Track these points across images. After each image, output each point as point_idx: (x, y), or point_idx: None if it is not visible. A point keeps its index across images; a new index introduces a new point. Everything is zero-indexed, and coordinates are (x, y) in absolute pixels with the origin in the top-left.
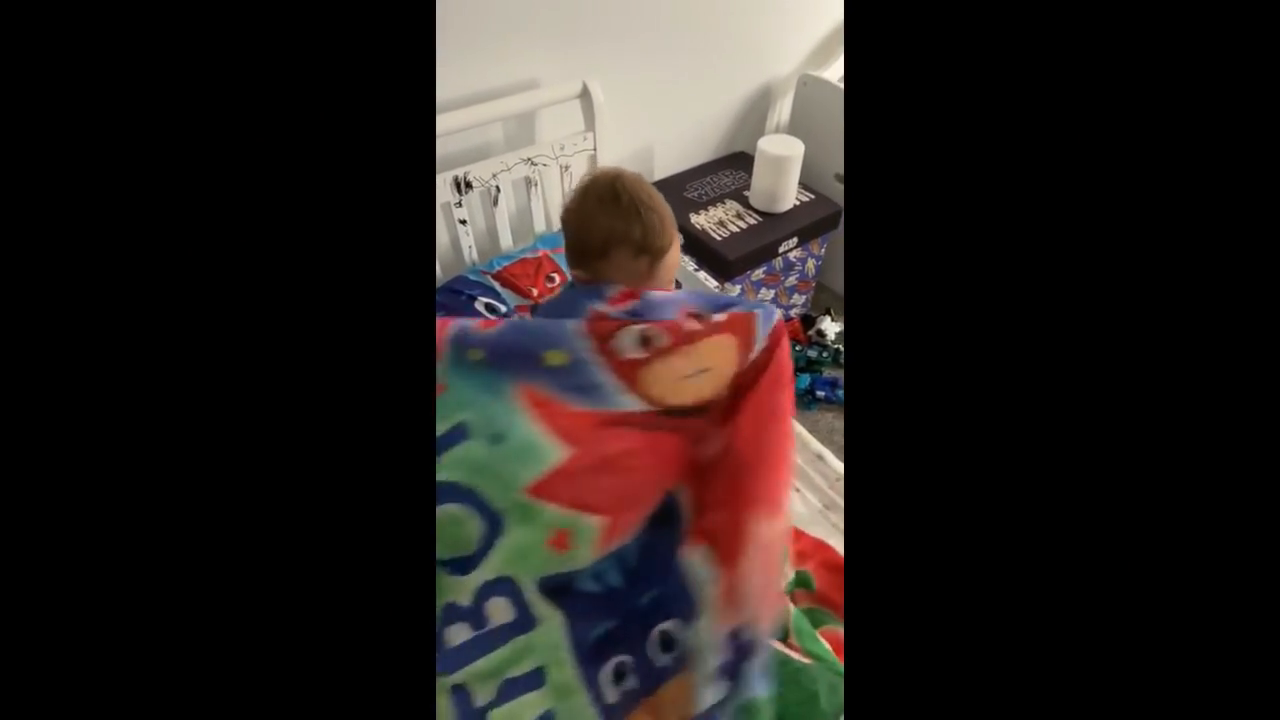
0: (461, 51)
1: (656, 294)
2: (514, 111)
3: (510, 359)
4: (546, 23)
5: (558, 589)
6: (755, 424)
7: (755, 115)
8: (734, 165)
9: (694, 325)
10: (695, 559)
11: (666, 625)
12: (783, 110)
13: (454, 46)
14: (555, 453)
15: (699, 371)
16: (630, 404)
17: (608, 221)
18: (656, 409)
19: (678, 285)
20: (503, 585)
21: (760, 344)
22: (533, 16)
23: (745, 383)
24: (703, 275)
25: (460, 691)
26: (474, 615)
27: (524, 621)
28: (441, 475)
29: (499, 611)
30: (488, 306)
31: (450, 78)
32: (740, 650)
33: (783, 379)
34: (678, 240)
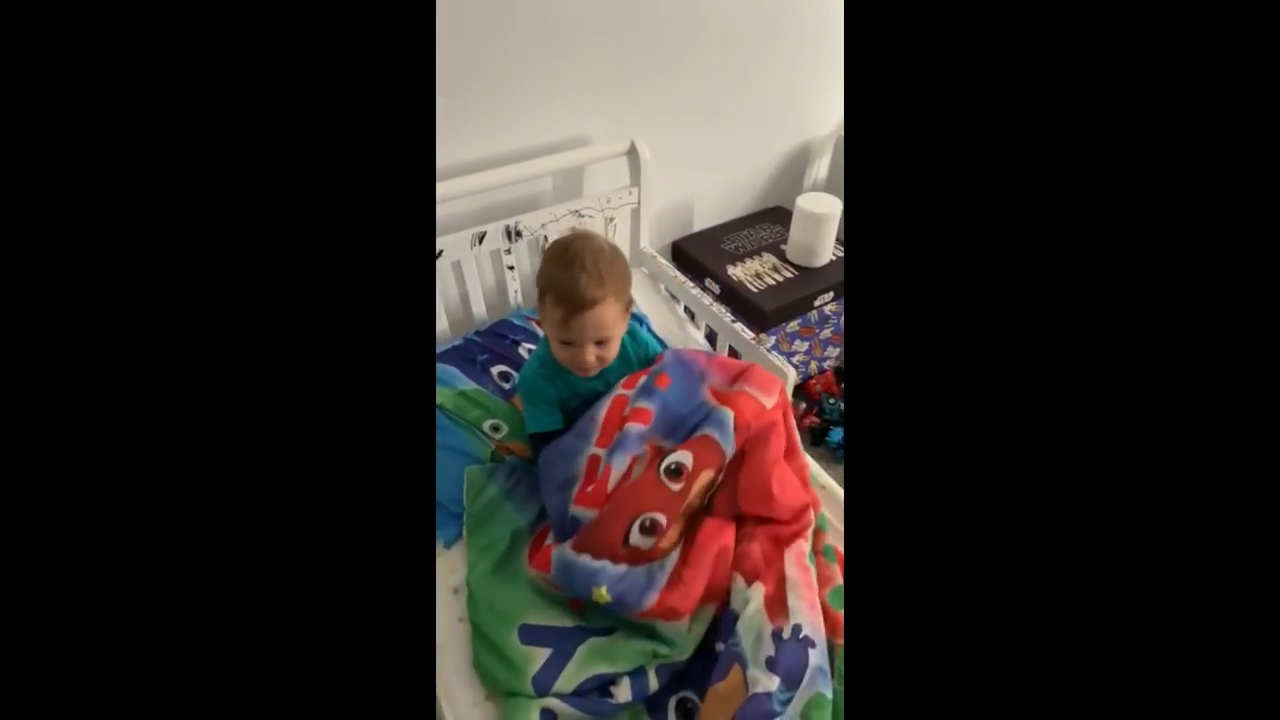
0: (518, 109)
1: (628, 430)
2: (564, 167)
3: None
4: (599, 83)
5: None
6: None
7: (794, 171)
8: (771, 220)
9: (676, 488)
10: (737, 586)
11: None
12: (820, 168)
13: (511, 104)
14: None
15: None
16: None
17: (549, 270)
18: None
19: (710, 334)
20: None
21: (729, 450)
22: (586, 77)
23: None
24: (739, 326)
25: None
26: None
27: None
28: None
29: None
30: (529, 351)
31: (506, 133)
32: (797, 648)
33: (769, 440)
34: (611, 306)
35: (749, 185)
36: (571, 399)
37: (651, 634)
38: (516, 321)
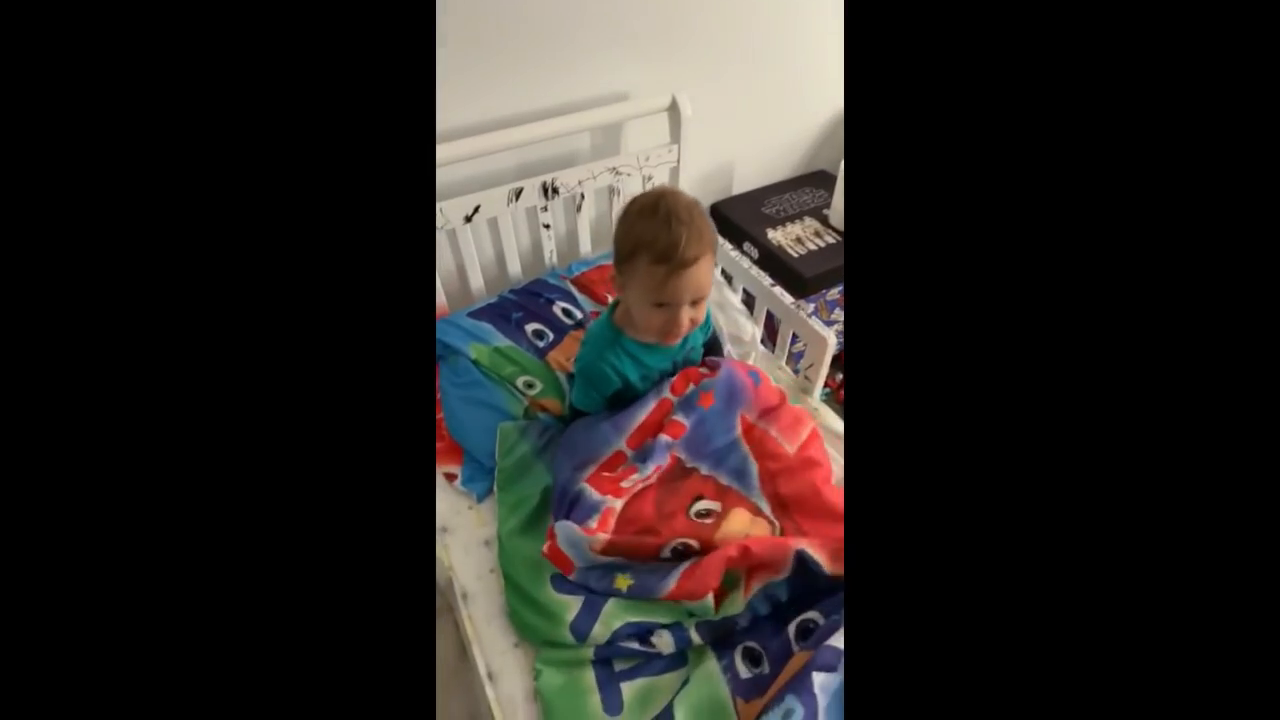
0: (557, 62)
1: (703, 423)
2: (603, 122)
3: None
4: (640, 37)
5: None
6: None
7: (838, 136)
8: (814, 184)
9: (708, 523)
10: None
11: (810, 614)
12: None
13: (550, 58)
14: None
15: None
16: (680, 570)
17: (640, 227)
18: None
19: (748, 299)
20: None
21: (763, 505)
22: (627, 31)
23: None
24: (778, 291)
25: (603, 665)
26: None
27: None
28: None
29: (663, 643)
30: (564, 311)
31: (544, 87)
32: None
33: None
34: (708, 263)
35: (792, 148)
36: (640, 381)
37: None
38: (551, 281)
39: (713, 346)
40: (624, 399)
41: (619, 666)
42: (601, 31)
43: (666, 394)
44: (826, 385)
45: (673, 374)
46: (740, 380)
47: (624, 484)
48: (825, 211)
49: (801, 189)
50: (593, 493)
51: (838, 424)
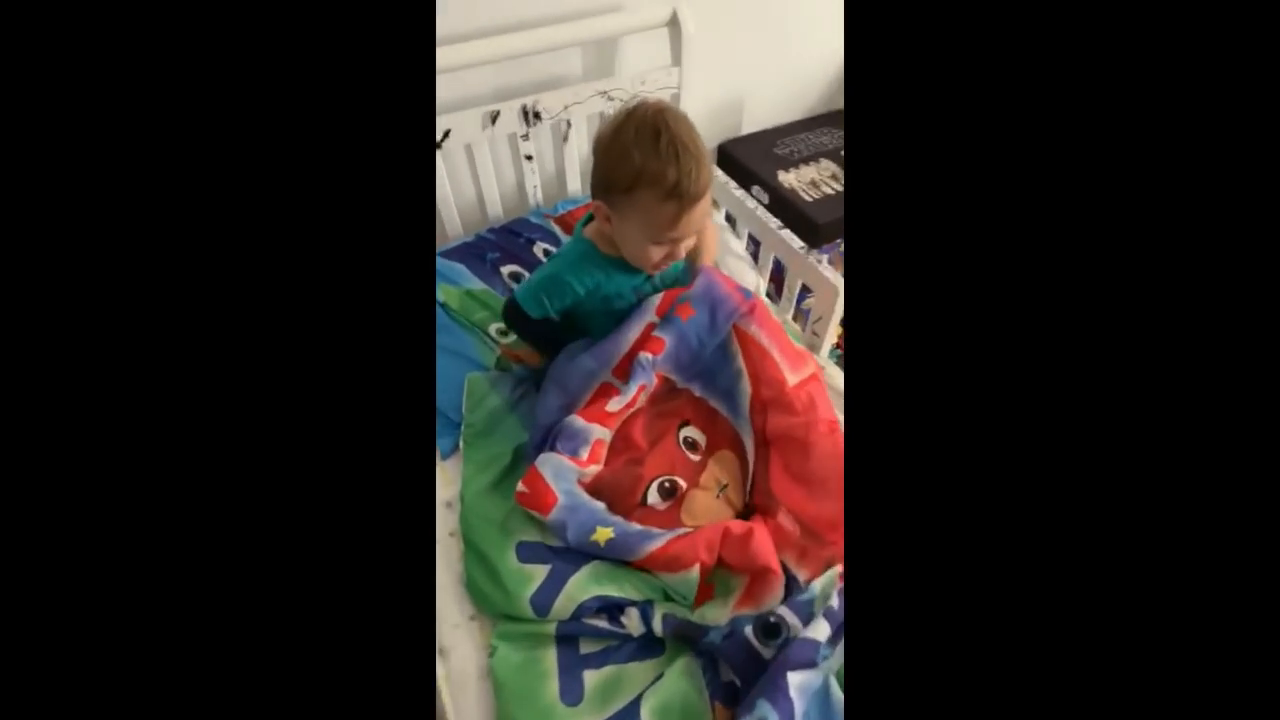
0: None
1: (682, 336)
2: (592, 36)
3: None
4: None
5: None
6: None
7: None
8: (834, 124)
9: (695, 459)
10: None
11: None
12: None
13: None
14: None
15: (720, 488)
16: (671, 535)
17: (642, 158)
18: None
19: (754, 248)
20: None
21: (745, 438)
22: None
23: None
24: (787, 234)
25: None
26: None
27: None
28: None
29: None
30: (546, 252)
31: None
32: None
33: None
34: (709, 195)
35: (810, 84)
36: (594, 300)
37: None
38: (533, 220)
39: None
40: (571, 319)
41: (585, 649)
42: None
43: (651, 316)
44: (837, 346)
45: (652, 292)
46: (721, 289)
47: (609, 407)
48: (843, 154)
49: (819, 129)
50: (578, 421)
51: (840, 383)
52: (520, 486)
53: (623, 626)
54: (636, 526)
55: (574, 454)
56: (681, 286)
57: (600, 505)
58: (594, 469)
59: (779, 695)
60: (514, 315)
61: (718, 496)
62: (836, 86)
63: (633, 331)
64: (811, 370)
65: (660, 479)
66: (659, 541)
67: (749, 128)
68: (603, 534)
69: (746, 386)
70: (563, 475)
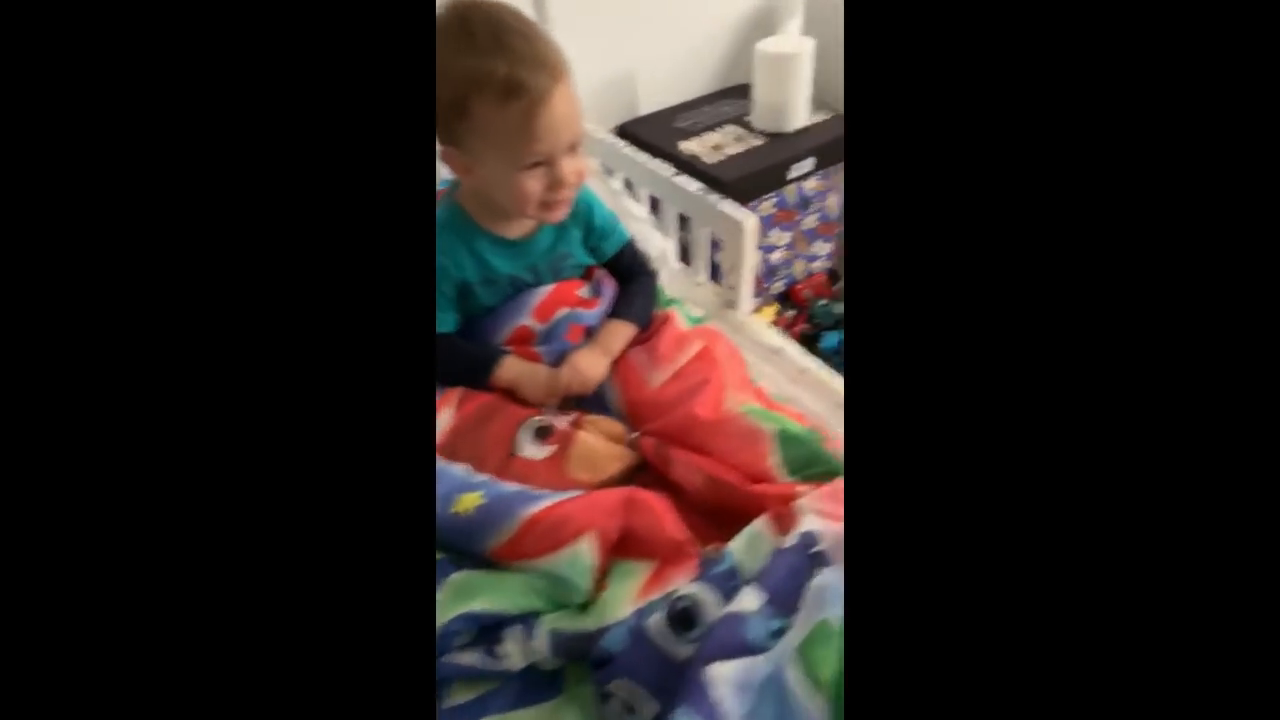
0: None
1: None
2: None
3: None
4: None
5: None
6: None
7: (757, 38)
8: (736, 96)
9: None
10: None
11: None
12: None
13: None
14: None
15: (610, 439)
16: (559, 497)
17: (459, 62)
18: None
19: (654, 209)
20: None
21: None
22: None
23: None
24: (683, 180)
25: None
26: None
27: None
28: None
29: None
30: None
31: None
32: (798, 560)
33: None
34: (569, 88)
35: (704, 56)
36: (481, 285)
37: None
38: None
39: (625, 265)
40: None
41: (456, 698)
42: None
43: (526, 319)
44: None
45: (534, 284)
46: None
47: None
48: (747, 119)
49: (720, 102)
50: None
51: (770, 338)
52: None
53: (500, 659)
54: (511, 486)
55: None
56: (573, 277)
57: (461, 467)
58: (444, 420)
59: (700, 698)
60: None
61: (606, 452)
62: (730, 61)
63: (497, 333)
64: (693, 351)
65: (533, 421)
66: (544, 503)
67: (646, 108)
68: (469, 501)
69: (615, 392)
70: None
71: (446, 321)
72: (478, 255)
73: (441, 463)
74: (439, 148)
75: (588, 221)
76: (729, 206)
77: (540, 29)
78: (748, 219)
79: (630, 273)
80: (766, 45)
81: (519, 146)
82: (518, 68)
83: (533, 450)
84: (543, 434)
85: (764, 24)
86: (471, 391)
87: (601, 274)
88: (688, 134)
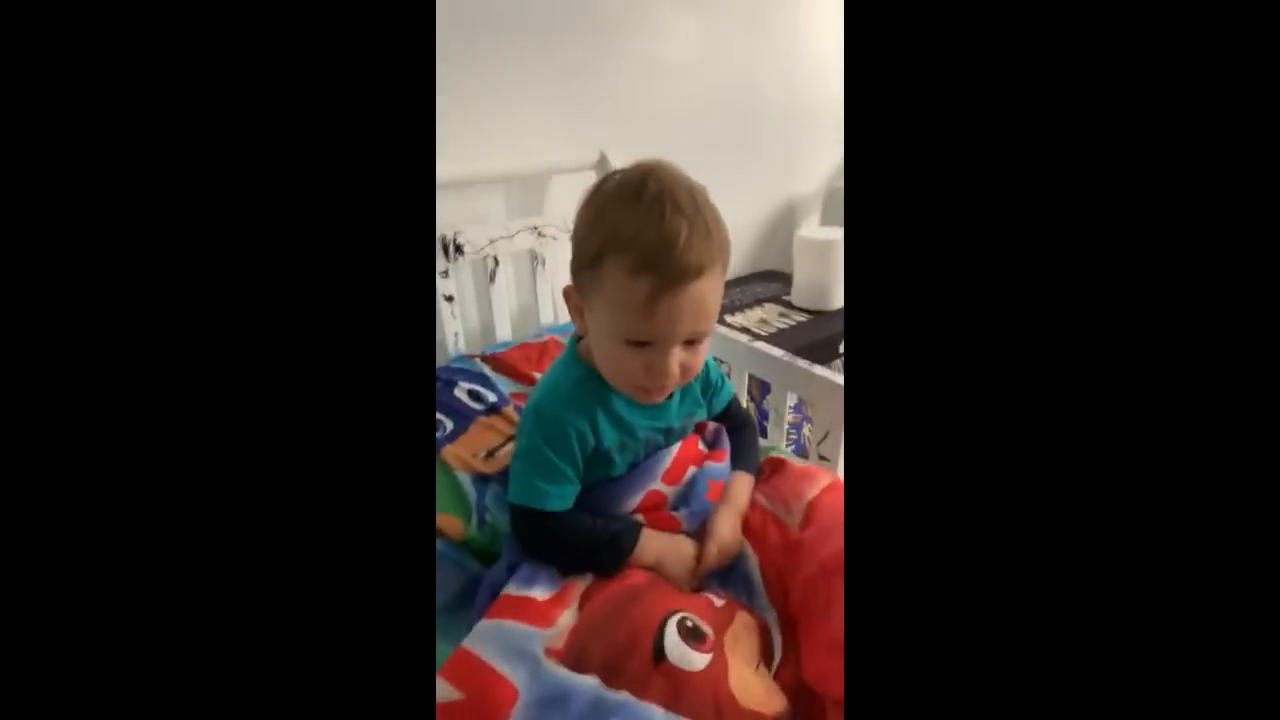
0: (464, 116)
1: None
2: (518, 171)
3: None
4: (560, 101)
5: None
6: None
7: (783, 233)
8: (767, 280)
9: (718, 603)
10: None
11: None
12: (811, 225)
13: (459, 109)
14: None
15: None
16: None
17: (615, 216)
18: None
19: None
20: None
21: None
22: (548, 93)
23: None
24: (761, 345)
25: None
26: None
27: None
28: None
29: None
30: (471, 394)
31: (451, 137)
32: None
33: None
34: (717, 278)
35: (736, 246)
36: (617, 452)
37: None
38: (455, 364)
39: (733, 416)
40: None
41: None
42: (518, 88)
43: (656, 483)
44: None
45: (664, 445)
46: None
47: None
48: (785, 296)
49: (754, 284)
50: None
51: None
52: (445, 689)
53: None
54: (660, 712)
55: (527, 593)
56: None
57: (592, 681)
58: (565, 620)
59: None
60: (529, 527)
61: (756, 670)
62: (759, 250)
63: (627, 502)
64: (824, 484)
65: (676, 615)
66: None
67: None
68: None
69: (753, 558)
70: (517, 647)
71: (565, 496)
72: (615, 417)
73: (563, 672)
74: (568, 284)
75: (705, 375)
76: (820, 369)
77: (713, 219)
78: (838, 379)
79: (738, 423)
80: (807, 233)
81: (630, 322)
82: (662, 246)
83: (681, 653)
84: (696, 637)
85: (786, 218)
86: (596, 582)
87: (715, 426)
88: (731, 310)
